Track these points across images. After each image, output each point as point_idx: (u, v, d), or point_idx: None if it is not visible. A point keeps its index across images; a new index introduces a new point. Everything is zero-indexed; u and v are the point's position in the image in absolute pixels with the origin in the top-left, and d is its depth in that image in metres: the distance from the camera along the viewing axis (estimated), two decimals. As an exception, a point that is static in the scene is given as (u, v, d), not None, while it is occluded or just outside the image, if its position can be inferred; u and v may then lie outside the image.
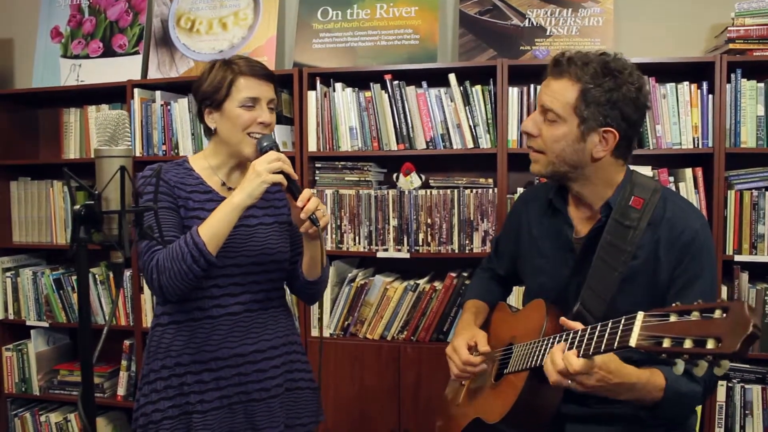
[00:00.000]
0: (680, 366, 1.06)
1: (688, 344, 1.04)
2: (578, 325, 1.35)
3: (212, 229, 1.60)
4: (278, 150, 1.67)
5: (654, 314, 1.13)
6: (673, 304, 1.12)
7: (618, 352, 1.25)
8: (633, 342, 1.13)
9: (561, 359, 1.30)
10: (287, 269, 1.85)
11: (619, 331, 1.20)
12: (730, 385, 2.53)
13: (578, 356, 1.28)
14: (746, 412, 2.52)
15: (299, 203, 1.59)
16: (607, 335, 1.23)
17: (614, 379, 1.32)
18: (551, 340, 1.43)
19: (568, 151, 1.51)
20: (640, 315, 1.16)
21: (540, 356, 1.44)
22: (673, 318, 1.09)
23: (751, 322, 0.98)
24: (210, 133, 1.78)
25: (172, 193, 1.71)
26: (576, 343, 1.32)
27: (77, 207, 1.13)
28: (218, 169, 1.79)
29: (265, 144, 1.67)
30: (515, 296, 2.49)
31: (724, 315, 1.02)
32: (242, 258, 1.74)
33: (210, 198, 1.75)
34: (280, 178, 1.60)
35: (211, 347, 1.72)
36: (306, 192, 1.61)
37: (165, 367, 1.72)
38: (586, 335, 1.30)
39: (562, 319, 1.39)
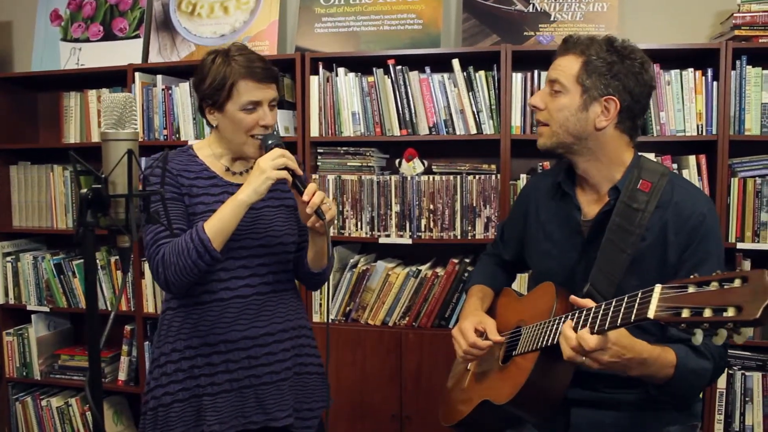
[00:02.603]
0: (699, 336, 1.07)
1: (707, 313, 1.03)
2: (589, 302, 1.36)
3: (218, 225, 1.61)
4: (283, 147, 1.67)
5: (671, 286, 1.13)
6: (692, 276, 1.12)
7: (634, 326, 1.26)
8: (651, 314, 1.13)
9: (574, 336, 1.31)
10: (294, 252, 1.85)
11: (636, 304, 1.20)
12: (730, 372, 2.54)
13: (592, 333, 1.29)
14: (746, 399, 2.53)
15: (305, 197, 1.61)
16: (623, 309, 1.23)
17: (627, 354, 1.33)
18: (562, 318, 1.44)
19: (572, 120, 1.56)
20: (658, 287, 1.16)
21: (550, 336, 1.45)
22: (691, 289, 1.09)
23: None
24: (212, 126, 1.78)
25: (176, 182, 1.71)
26: (590, 320, 1.32)
27: (84, 191, 1.12)
28: (221, 157, 1.80)
29: (270, 142, 1.68)
30: (518, 283, 2.49)
31: (744, 284, 1.02)
32: (249, 240, 1.74)
33: (214, 183, 1.75)
34: (284, 174, 1.61)
35: (220, 330, 1.73)
36: (311, 186, 1.62)
37: (175, 350, 1.73)
38: (600, 311, 1.30)
39: (572, 297, 1.40)
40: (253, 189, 1.60)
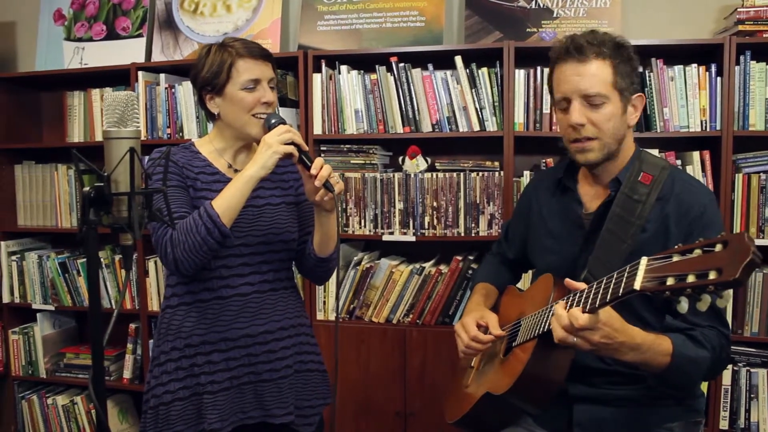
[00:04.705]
0: (684, 303, 1.07)
1: (690, 279, 1.05)
2: (582, 285, 1.36)
3: (226, 202, 1.60)
4: (286, 124, 1.68)
5: (657, 257, 1.14)
6: (676, 246, 1.13)
7: (632, 316, 1.25)
8: (638, 285, 1.14)
9: (564, 314, 1.31)
10: (295, 249, 1.85)
11: (624, 278, 1.20)
12: (735, 368, 2.53)
13: (583, 312, 1.29)
14: (751, 395, 2.53)
15: (313, 171, 1.60)
16: (612, 285, 1.24)
17: (619, 337, 1.32)
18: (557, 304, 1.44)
19: (618, 127, 1.56)
20: (644, 259, 1.17)
21: (547, 323, 1.45)
22: (675, 258, 1.10)
23: (751, 249, 0.99)
24: (212, 117, 1.78)
25: (182, 173, 1.72)
26: (582, 299, 1.33)
27: (87, 189, 1.12)
28: (224, 152, 1.80)
29: (273, 121, 1.69)
30: (523, 284, 2.49)
31: (725, 248, 1.03)
32: (250, 238, 1.74)
33: (217, 179, 1.75)
34: (291, 149, 1.62)
35: (220, 327, 1.73)
36: (318, 160, 1.62)
37: (175, 348, 1.73)
38: (592, 291, 1.31)
39: (567, 280, 1.40)
40: (260, 164, 1.61)
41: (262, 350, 1.75)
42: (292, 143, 1.62)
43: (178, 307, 1.76)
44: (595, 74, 1.53)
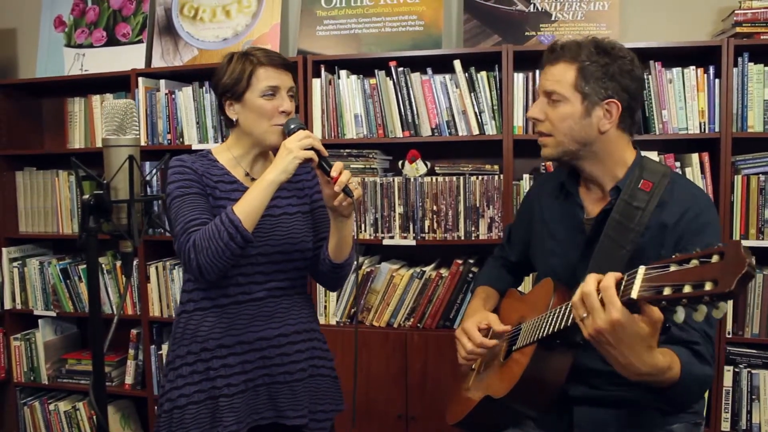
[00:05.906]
0: (680, 314, 1.07)
1: (687, 289, 1.04)
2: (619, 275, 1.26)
3: (247, 207, 1.62)
4: (306, 129, 1.69)
5: (655, 266, 1.14)
6: (673, 255, 1.12)
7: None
8: (635, 294, 1.14)
9: (610, 282, 1.21)
10: (310, 258, 1.86)
11: (622, 287, 1.19)
12: (737, 370, 2.53)
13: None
14: (753, 397, 2.52)
15: (333, 173, 1.61)
16: None
17: (628, 345, 1.21)
18: (558, 310, 1.44)
19: (576, 129, 1.57)
20: (642, 268, 1.16)
21: (546, 328, 1.45)
22: (673, 267, 1.10)
23: (747, 261, 0.98)
24: (231, 124, 1.80)
25: (201, 181, 1.74)
26: None
27: (86, 196, 1.13)
28: (241, 160, 1.81)
29: (292, 126, 1.70)
30: (523, 287, 2.49)
31: (721, 259, 1.03)
32: (267, 247, 1.76)
33: (235, 188, 1.77)
34: (311, 154, 1.63)
35: (236, 331, 1.75)
36: (338, 165, 1.63)
37: (191, 352, 1.75)
38: None
39: (613, 274, 1.28)
40: (281, 169, 1.62)
41: (276, 353, 1.77)
42: (312, 148, 1.63)
43: (193, 312, 1.77)
44: (556, 74, 1.58)
